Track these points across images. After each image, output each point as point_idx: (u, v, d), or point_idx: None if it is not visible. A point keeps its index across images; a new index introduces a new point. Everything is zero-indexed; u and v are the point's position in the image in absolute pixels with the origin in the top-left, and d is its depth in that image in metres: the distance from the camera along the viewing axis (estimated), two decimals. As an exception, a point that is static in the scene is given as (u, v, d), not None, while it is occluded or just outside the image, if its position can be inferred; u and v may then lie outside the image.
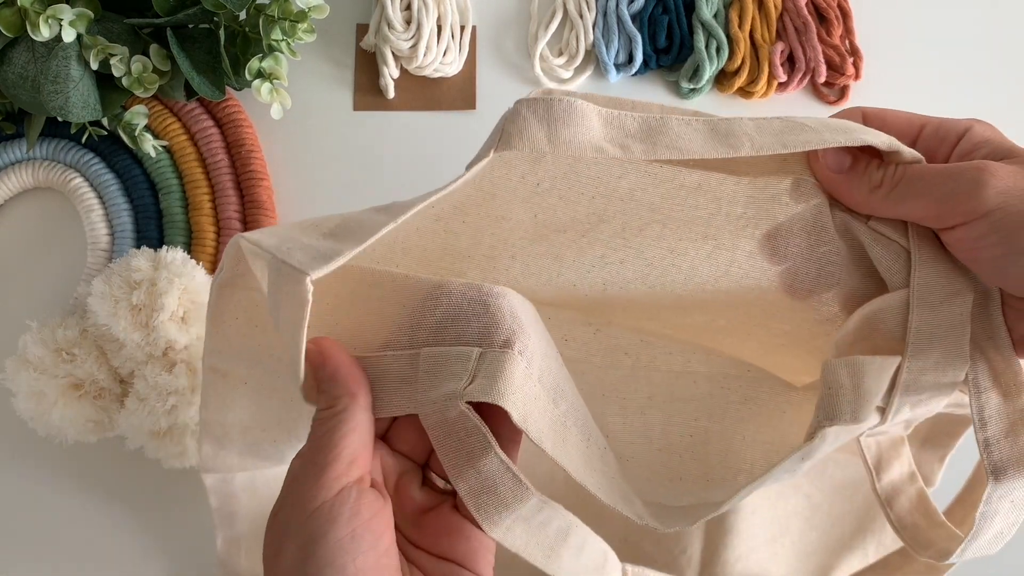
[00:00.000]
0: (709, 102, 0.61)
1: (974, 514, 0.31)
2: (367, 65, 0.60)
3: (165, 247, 0.47)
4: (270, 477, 0.43)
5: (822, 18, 0.61)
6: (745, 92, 0.60)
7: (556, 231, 0.36)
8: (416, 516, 0.31)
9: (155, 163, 0.55)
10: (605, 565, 0.32)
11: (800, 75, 0.60)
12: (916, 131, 0.32)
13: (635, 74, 0.60)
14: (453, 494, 0.31)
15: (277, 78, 0.53)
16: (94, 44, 0.49)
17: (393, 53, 0.58)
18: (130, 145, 0.54)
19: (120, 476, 0.52)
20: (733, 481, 0.38)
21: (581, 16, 0.60)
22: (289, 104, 0.54)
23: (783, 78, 0.59)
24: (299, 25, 0.52)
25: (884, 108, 0.33)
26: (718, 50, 0.59)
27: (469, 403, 0.28)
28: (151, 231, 0.55)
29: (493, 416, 0.28)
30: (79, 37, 0.49)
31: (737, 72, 0.59)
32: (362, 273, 0.33)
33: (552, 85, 0.60)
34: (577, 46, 0.60)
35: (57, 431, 0.47)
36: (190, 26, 0.53)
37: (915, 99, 0.60)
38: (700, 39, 0.59)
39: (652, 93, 0.61)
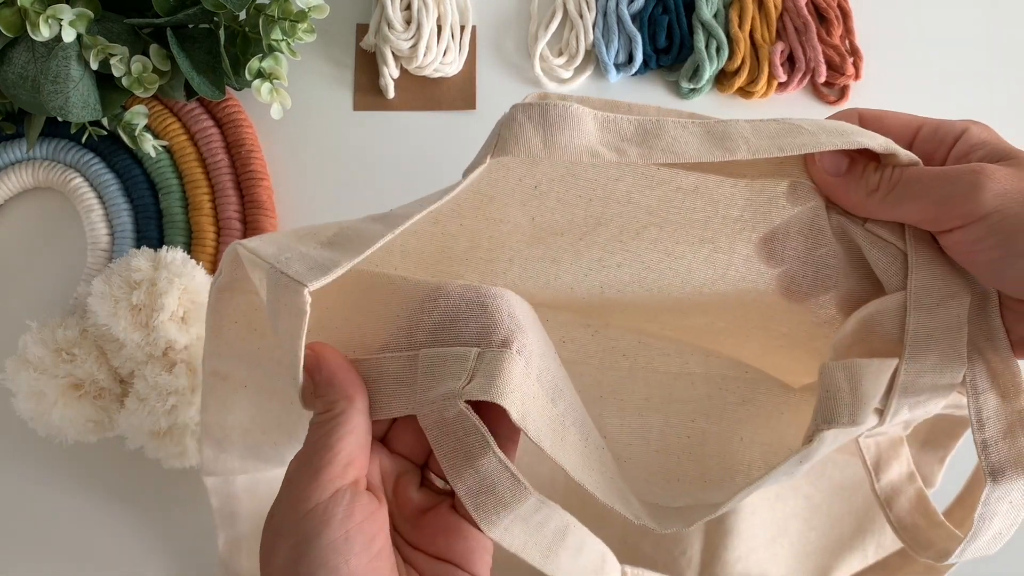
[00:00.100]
0: (709, 102, 0.61)
1: (973, 515, 0.31)
2: (367, 65, 0.60)
3: (165, 247, 0.47)
4: (271, 478, 0.43)
5: (822, 18, 0.61)
6: (745, 92, 0.60)
7: (554, 234, 0.36)
8: (414, 517, 0.31)
9: (155, 163, 0.55)
10: (604, 566, 0.32)
11: (800, 75, 0.60)
12: (913, 133, 0.32)
13: (635, 74, 0.60)
14: (451, 494, 0.31)
15: (277, 78, 0.53)
16: (94, 44, 0.49)
17: (393, 53, 0.58)
18: (130, 145, 0.54)
19: (120, 476, 0.52)
20: (731, 482, 0.38)
21: (581, 16, 0.60)
22: (289, 104, 0.54)
23: (783, 78, 0.59)
24: (299, 25, 0.52)
25: (881, 109, 0.33)
26: (718, 50, 0.59)
27: (467, 403, 0.28)
28: (151, 231, 0.55)
29: (491, 416, 0.28)
30: (79, 37, 0.49)
31: (737, 72, 0.59)
32: (360, 276, 0.33)
33: (552, 85, 0.60)
34: (577, 46, 0.60)
35: (57, 431, 0.47)
36: (190, 26, 0.53)
37: (915, 99, 0.60)
38: (700, 39, 0.59)
39: (652, 93, 0.61)
